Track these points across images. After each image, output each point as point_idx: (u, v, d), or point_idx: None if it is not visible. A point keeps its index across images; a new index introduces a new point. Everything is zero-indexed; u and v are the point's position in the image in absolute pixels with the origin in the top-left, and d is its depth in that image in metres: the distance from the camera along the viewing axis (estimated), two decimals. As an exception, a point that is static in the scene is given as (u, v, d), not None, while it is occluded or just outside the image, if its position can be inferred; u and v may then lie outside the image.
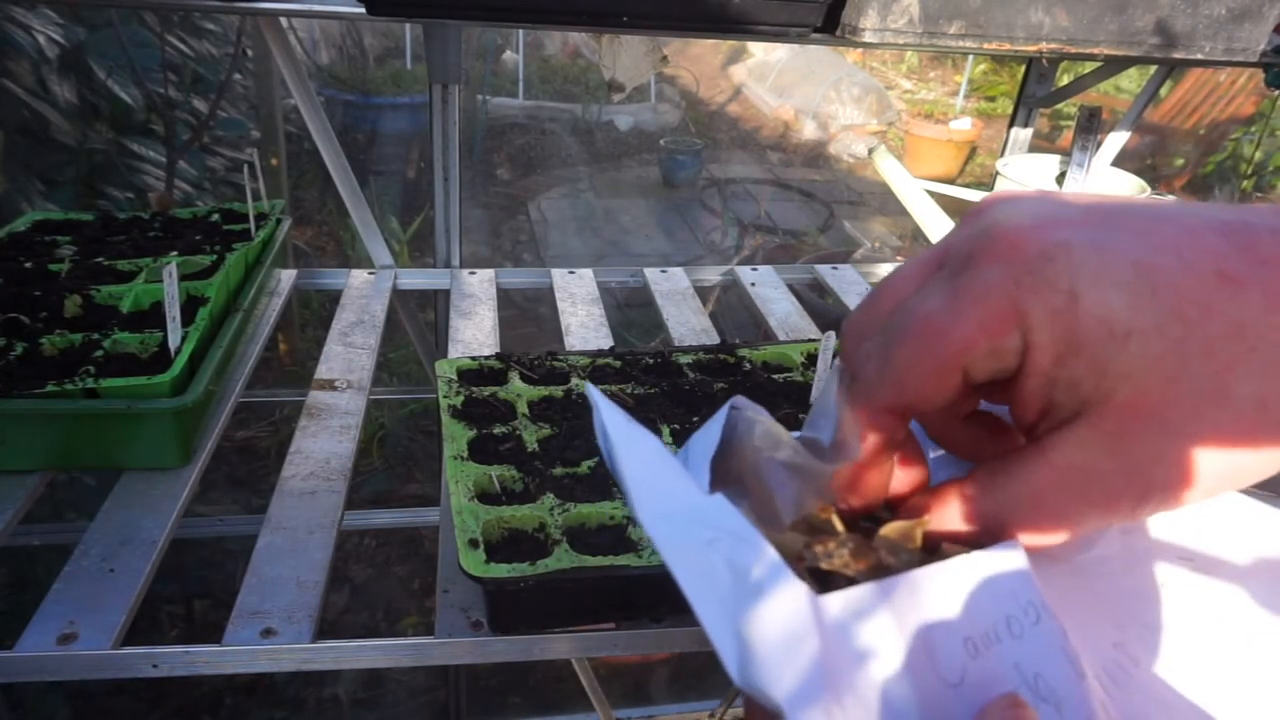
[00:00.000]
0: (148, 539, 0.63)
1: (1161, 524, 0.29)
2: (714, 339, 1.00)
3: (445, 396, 0.72)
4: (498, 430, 0.69)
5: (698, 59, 5.43)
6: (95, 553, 0.61)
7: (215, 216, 1.03)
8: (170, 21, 1.96)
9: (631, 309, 2.55)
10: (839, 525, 0.29)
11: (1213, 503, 0.29)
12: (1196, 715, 0.27)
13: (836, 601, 0.24)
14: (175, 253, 0.90)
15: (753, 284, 1.19)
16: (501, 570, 0.53)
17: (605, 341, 0.97)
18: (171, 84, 1.92)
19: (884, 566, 0.27)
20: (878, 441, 0.28)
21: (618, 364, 0.80)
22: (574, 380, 0.76)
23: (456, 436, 0.67)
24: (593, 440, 0.70)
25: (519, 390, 0.74)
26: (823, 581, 0.26)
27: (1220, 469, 0.24)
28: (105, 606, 0.57)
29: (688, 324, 1.04)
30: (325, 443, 0.76)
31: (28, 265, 0.86)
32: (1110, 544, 0.29)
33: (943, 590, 0.25)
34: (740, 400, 0.31)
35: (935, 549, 0.29)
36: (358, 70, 4.14)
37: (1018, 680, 0.24)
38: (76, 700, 1.63)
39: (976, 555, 0.26)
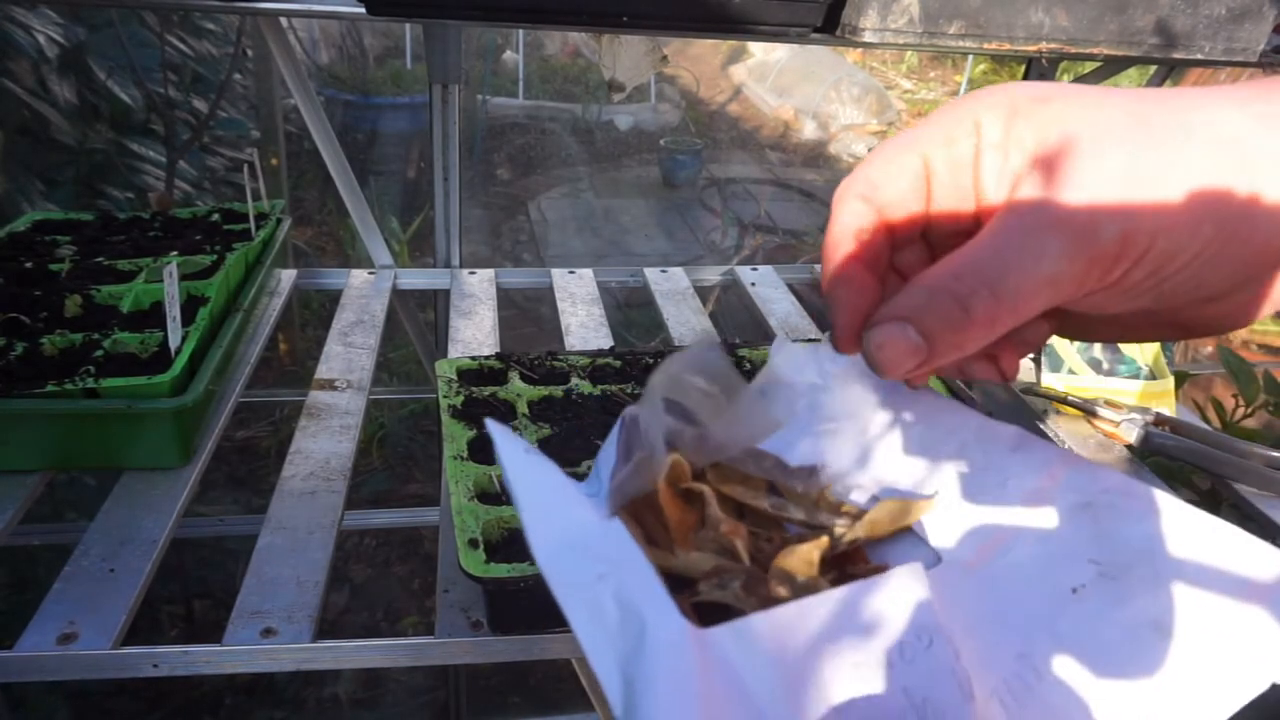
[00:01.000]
0: (148, 539, 0.63)
1: (1078, 530, 0.29)
2: (714, 339, 1.00)
3: (445, 396, 0.72)
4: (498, 430, 0.69)
5: (698, 59, 5.43)
6: (95, 553, 0.61)
7: (215, 216, 1.03)
8: (170, 21, 1.96)
9: (631, 309, 2.55)
10: (743, 551, 0.29)
11: (1133, 504, 0.29)
12: None
13: (720, 636, 0.24)
14: (175, 253, 0.90)
15: (753, 284, 1.19)
16: (501, 570, 0.53)
17: (605, 341, 0.97)
18: (171, 84, 1.92)
19: (775, 598, 0.27)
20: (851, 234, 0.30)
21: (618, 364, 0.80)
22: (574, 380, 0.76)
23: (456, 436, 0.67)
24: (593, 440, 0.70)
25: (519, 390, 0.74)
26: (716, 612, 0.26)
27: (1146, 189, 0.26)
28: (105, 606, 0.57)
29: (688, 324, 1.04)
30: (325, 443, 0.76)
31: (28, 265, 0.86)
32: (1024, 550, 0.29)
33: (832, 618, 0.25)
34: (629, 410, 0.32)
35: (836, 572, 0.29)
36: (358, 70, 4.14)
37: (905, 704, 0.24)
38: (76, 700, 1.63)
39: (872, 581, 0.26)
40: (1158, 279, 0.26)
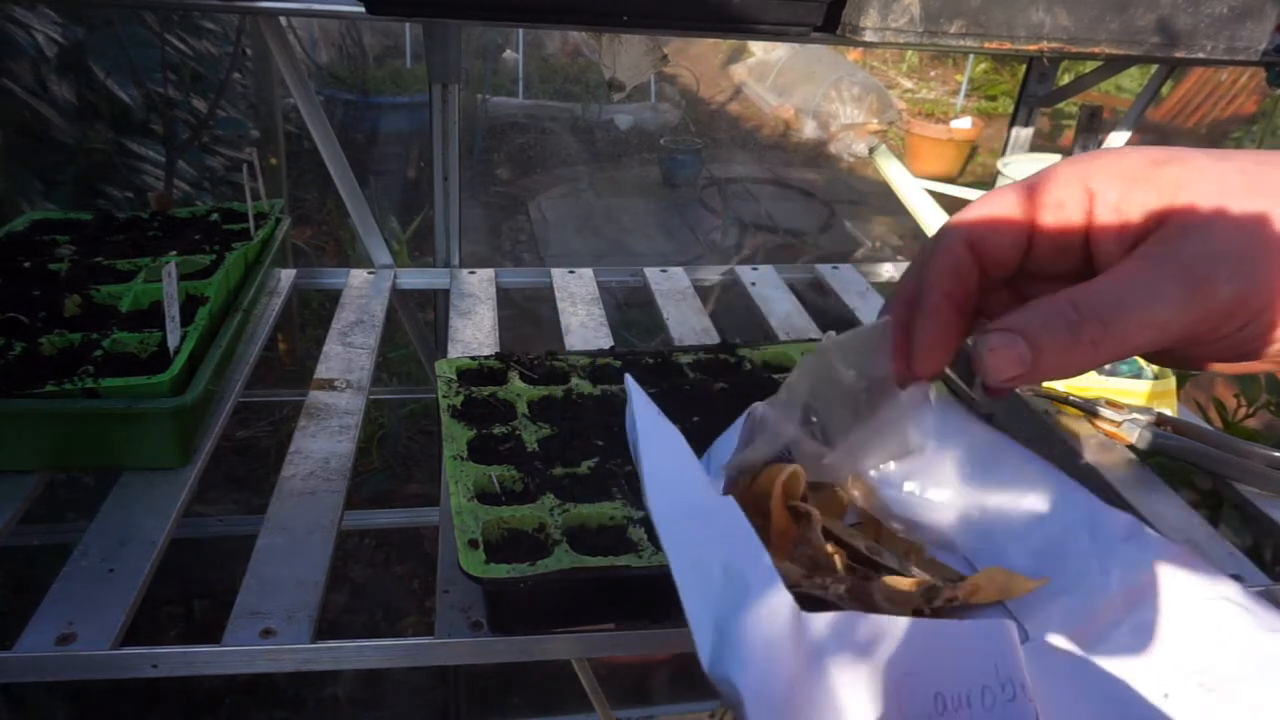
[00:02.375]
0: (147, 539, 0.63)
1: (1183, 632, 0.28)
2: (714, 339, 1.00)
3: (445, 396, 0.72)
4: (497, 430, 0.69)
5: (698, 58, 5.43)
6: (95, 553, 0.61)
7: (214, 216, 1.03)
8: (170, 21, 1.95)
9: (631, 309, 2.55)
10: (840, 565, 0.29)
11: (1251, 618, 0.28)
12: None
13: (821, 622, 0.24)
14: (174, 252, 0.90)
15: (753, 284, 1.19)
16: (501, 570, 0.53)
17: (605, 341, 0.97)
18: (171, 84, 1.92)
19: (876, 609, 0.28)
20: (949, 273, 0.31)
21: (618, 364, 0.80)
22: (574, 380, 0.76)
23: (456, 436, 0.67)
24: (592, 440, 0.70)
25: (519, 390, 0.74)
26: (810, 608, 0.27)
27: (1267, 254, 0.27)
28: (105, 607, 0.57)
29: (688, 324, 1.04)
30: (325, 443, 0.76)
31: (27, 265, 0.86)
32: (1119, 643, 0.29)
33: (926, 642, 0.25)
34: (758, 407, 0.32)
35: (926, 609, 0.30)
36: (358, 70, 4.14)
37: None
38: (76, 700, 1.63)
39: (968, 622, 0.26)
40: (1271, 340, 0.28)
